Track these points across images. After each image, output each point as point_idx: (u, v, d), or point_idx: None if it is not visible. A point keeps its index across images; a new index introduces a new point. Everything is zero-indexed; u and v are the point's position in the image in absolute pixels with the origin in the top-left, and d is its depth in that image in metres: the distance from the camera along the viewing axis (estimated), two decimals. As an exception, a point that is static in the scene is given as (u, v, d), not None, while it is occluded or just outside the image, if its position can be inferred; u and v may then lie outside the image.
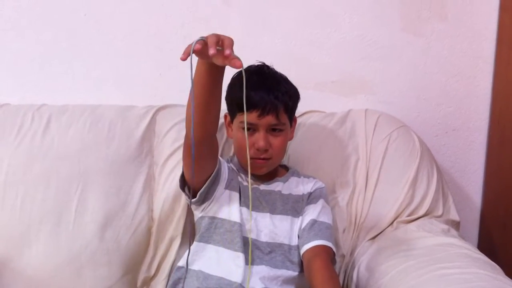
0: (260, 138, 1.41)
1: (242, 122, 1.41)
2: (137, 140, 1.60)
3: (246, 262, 1.40)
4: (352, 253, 1.58)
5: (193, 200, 1.41)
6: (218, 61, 1.08)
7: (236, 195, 1.45)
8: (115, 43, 1.79)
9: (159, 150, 1.63)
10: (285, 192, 1.51)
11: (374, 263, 1.44)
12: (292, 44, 1.82)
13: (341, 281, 1.53)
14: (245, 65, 1.11)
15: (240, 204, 1.45)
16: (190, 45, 1.03)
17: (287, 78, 1.49)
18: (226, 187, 1.45)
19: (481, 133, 1.92)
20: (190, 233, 1.53)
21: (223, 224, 1.44)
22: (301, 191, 1.52)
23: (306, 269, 1.40)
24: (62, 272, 1.50)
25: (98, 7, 1.78)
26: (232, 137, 1.51)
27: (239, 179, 1.49)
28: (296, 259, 1.45)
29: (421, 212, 1.60)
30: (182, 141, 1.58)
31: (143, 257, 1.57)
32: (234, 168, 1.51)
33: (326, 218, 1.48)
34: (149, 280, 1.58)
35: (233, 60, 1.04)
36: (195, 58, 1.07)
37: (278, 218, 1.47)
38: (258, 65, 1.46)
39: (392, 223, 1.59)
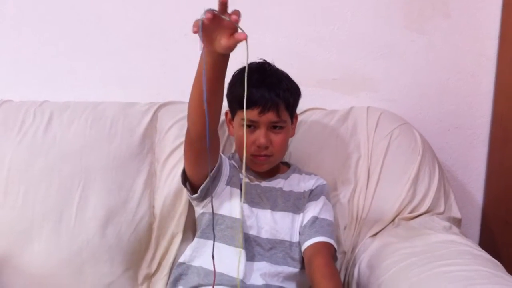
0: (261, 135, 1.41)
1: (243, 119, 1.41)
2: (138, 137, 1.60)
3: (248, 258, 1.40)
4: (353, 250, 1.58)
5: (194, 196, 1.41)
6: (223, 43, 1.05)
7: (237, 191, 1.45)
8: (117, 41, 1.80)
9: (161, 147, 1.63)
10: (286, 189, 1.51)
11: (375, 260, 1.44)
12: (295, 42, 1.82)
13: (342, 278, 1.53)
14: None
15: (242, 201, 1.45)
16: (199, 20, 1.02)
17: (288, 75, 1.49)
18: (227, 184, 1.45)
19: (483, 130, 1.92)
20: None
21: (224, 220, 1.44)
22: (303, 188, 1.52)
23: (307, 266, 1.40)
24: (63, 268, 1.50)
25: (100, 4, 1.78)
26: (233, 134, 1.51)
27: (240, 175, 1.49)
28: (297, 256, 1.45)
29: (423, 209, 1.60)
30: (184, 138, 1.58)
31: (144, 254, 1.57)
32: (236, 165, 1.51)
33: (327, 215, 1.48)
34: (150, 276, 1.58)
35: (236, 34, 1.03)
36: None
37: (279, 215, 1.47)
38: (259, 62, 1.46)
39: (393, 220, 1.59)
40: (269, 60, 1.48)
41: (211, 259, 1.39)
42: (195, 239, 1.48)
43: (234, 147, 1.62)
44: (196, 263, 1.43)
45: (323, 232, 1.43)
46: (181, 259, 1.48)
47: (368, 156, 1.66)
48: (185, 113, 1.62)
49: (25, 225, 1.51)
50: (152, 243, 1.58)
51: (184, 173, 1.41)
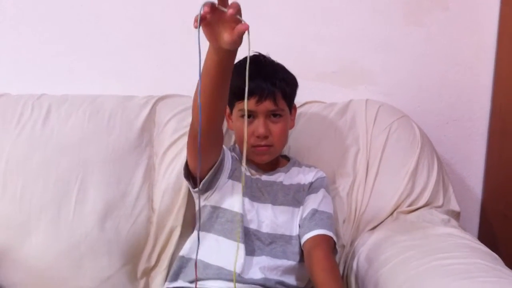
0: (259, 125, 1.41)
1: (241, 110, 1.41)
2: (137, 130, 1.60)
3: (247, 253, 1.40)
4: (352, 244, 1.58)
5: (195, 189, 1.42)
6: (226, 37, 1.03)
7: (239, 185, 1.45)
8: (114, 34, 1.79)
9: (159, 140, 1.62)
10: (286, 182, 1.51)
11: (374, 254, 1.44)
12: (293, 35, 1.82)
13: (341, 271, 1.53)
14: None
15: (243, 195, 1.45)
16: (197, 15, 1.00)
17: (284, 67, 1.49)
18: (229, 177, 1.45)
19: (482, 123, 1.91)
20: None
21: (224, 214, 1.44)
22: (302, 181, 1.53)
23: (307, 259, 1.40)
24: (62, 262, 1.50)
25: (99, 0, 1.78)
26: (233, 128, 1.51)
27: (243, 169, 1.48)
28: (296, 249, 1.45)
29: (421, 202, 1.60)
30: (182, 131, 1.59)
31: (143, 247, 1.57)
32: (237, 157, 1.51)
33: (327, 208, 1.49)
34: (149, 270, 1.58)
35: (238, 26, 1.00)
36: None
37: (279, 209, 1.47)
38: (254, 54, 1.46)
39: (392, 213, 1.59)
40: (265, 53, 1.48)
41: (211, 251, 1.40)
42: (195, 231, 1.48)
43: (233, 140, 1.62)
44: (195, 256, 1.43)
45: (322, 225, 1.43)
46: (180, 253, 1.49)
47: (367, 149, 1.66)
48: (184, 106, 1.63)
49: (24, 218, 1.50)
50: (151, 237, 1.57)
51: (186, 166, 1.41)
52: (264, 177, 1.50)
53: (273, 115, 1.44)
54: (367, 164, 1.65)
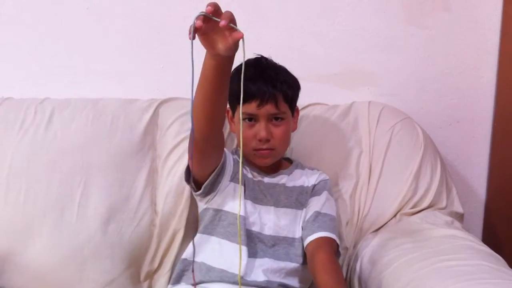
0: (261, 129, 1.42)
1: (243, 113, 1.41)
2: (139, 133, 1.60)
3: (250, 255, 1.40)
4: (355, 246, 1.58)
5: (197, 192, 1.41)
6: (222, 44, 1.05)
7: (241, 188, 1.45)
8: (117, 37, 1.79)
9: (162, 143, 1.62)
10: (289, 184, 1.51)
11: (377, 256, 1.44)
12: (295, 37, 1.81)
13: (344, 274, 1.52)
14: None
15: (245, 197, 1.45)
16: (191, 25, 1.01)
17: (286, 69, 1.49)
18: (231, 180, 1.45)
19: (485, 125, 1.91)
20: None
21: (227, 216, 1.44)
22: (305, 183, 1.52)
23: (309, 261, 1.40)
24: (65, 266, 1.50)
25: (99, 0, 1.78)
26: (235, 131, 1.51)
27: (245, 171, 1.49)
28: (299, 251, 1.45)
29: (425, 204, 1.59)
30: (185, 134, 1.59)
31: (146, 250, 1.57)
32: (239, 160, 1.51)
33: (330, 210, 1.48)
34: (152, 273, 1.58)
35: (233, 33, 1.02)
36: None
37: (282, 211, 1.47)
38: (256, 57, 1.46)
39: (395, 215, 1.59)
40: (267, 56, 1.48)
41: (214, 254, 1.40)
42: (198, 234, 1.48)
43: (235, 143, 1.62)
44: (198, 258, 1.43)
45: (325, 227, 1.43)
46: (183, 255, 1.49)
47: (370, 151, 1.66)
48: (186, 109, 1.63)
49: (27, 222, 1.51)
50: (154, 240, 1.57)
51: (188, 170, 1.41)
52: (267, 179, 1.50)
53: (275, 118, 1.44)
54: (370, 166, 1.65)
